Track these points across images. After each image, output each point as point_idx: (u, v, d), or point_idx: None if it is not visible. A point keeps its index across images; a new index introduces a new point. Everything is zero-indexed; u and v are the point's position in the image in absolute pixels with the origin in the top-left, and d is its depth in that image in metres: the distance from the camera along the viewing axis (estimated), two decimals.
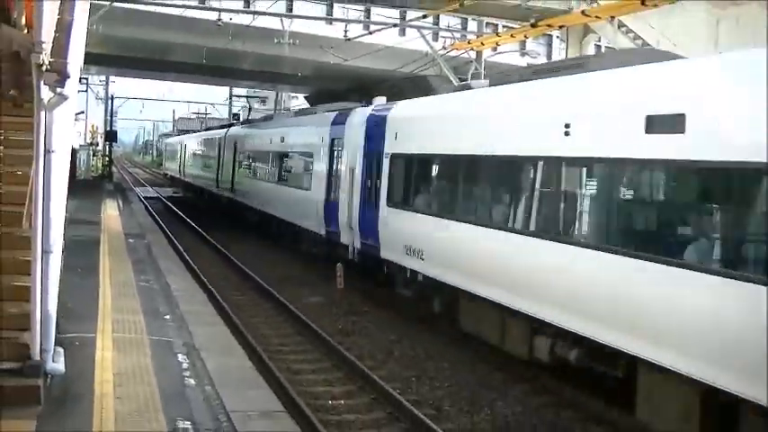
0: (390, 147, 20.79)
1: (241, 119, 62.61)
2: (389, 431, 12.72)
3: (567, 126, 13.33)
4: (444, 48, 36.00)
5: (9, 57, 11.86)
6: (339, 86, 50.15)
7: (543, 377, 14.93)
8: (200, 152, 57.02)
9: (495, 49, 35.04)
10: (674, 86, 11.74)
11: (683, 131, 10.87)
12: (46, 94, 9.20)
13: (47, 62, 9.08)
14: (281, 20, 38.18)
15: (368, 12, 40.99)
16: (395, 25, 37.12)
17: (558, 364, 14.08)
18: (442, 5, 29.31)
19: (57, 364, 9.50)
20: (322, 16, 41.88)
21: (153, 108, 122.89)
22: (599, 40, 40.38)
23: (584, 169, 13.51)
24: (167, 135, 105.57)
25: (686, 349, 10.66)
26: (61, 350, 9.89)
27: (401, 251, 19.28)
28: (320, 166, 26.86)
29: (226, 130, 48.70)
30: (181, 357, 12.04)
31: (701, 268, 10.45)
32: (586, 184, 13.57)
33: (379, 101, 23.76)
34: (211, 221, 40.90)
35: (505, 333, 15.36)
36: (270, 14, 36.78)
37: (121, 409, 9.23)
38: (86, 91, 68.18)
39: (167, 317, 14.84)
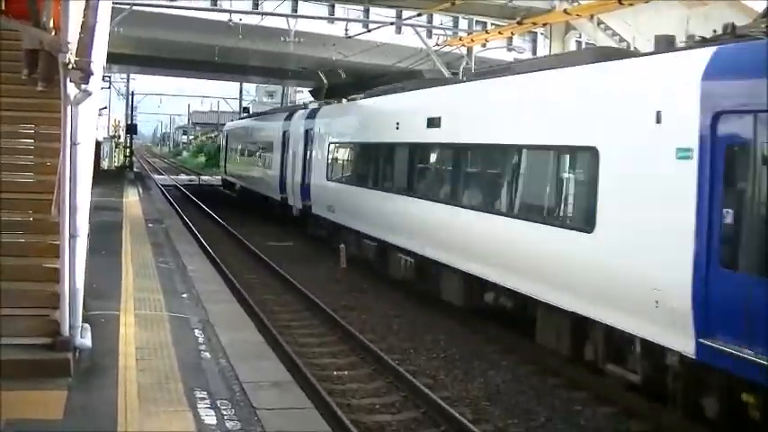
0: None
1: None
2: (390, 399, 12.75)
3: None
4: (437, 44, 35.91)
5: (44, 54, 11.89)
6: (342, 81, 50.14)
7: (530, 348, 14.95)
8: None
9: (484, 45, 34.97)
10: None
11: None
12: (72, 90, 9.19)
13: (72, 61, 9.07)
14: (287, 19, 38.13)
15: (367, 11, 40.82)
16: (392, 23, 37.03)
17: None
18: (435, 4, 29.23)
19: (84, 339, 9.52)
20: (324, 16, 41.76)
21: (170, 102, 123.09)
22: (580, 37, 40.27)
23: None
24: (256, 114, 55.36)
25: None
26: (88, 326, 9.89)
27: None
28: None
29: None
30: (197, 332, 12.05)
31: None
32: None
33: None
34: (222, 205, 40.86)
35: None
36: (276, 15, 36.75)
37: (143, 381, 9.26)
38: (109, 88, 68.01)
39: (184, 295, 14.83)
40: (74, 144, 9.25)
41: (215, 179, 68.52)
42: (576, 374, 13.57)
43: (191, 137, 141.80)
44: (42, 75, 12.26)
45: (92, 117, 11.17)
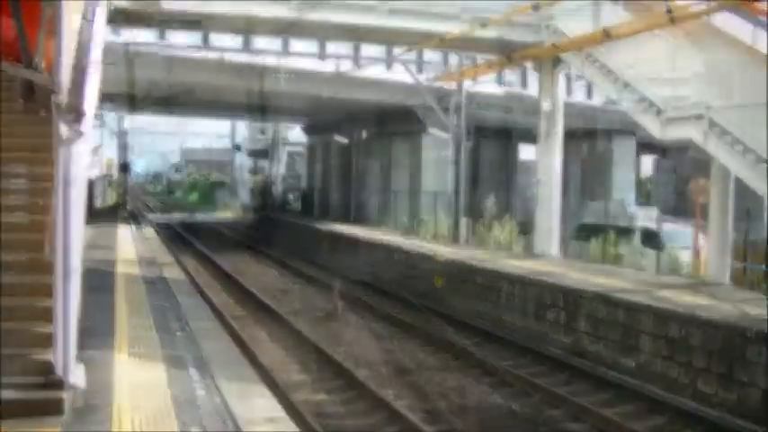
0: None
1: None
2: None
3: None
4: (428, 79, 36.16)
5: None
6: (333, 117, 50.39)
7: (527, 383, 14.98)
8: None
9: (474, 80, 35.19)
10: None
11: None
12: (64, 131, 9.24)
13: (64, 102, 9.13)
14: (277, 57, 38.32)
15: (357, 48, 41.03)
16: (382, 60, 37.27)
17: None
18: (425, 41, 29.41)
19: (78, 378, 9.50)
20: (315, 53, 41.92)
21: (164, 141, 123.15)
22: (569, 70, 40.52)
23: None
24: None
25: None
26: (82, 365, 9.89)
27: None
28: None
29: None
30: (191, 370, 12.05)
31: None
32: None
33: None
34: (214, 242, 40.87)
35: None
36: (266, 52, 36.90)
37: (138, 419, 9.26)
38: (102, 126, 68.08)
39: (178, 333, 14.83)
40: (66, 184, 9.29)
41: (209, 217, 68.52)
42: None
43: (183, 174, 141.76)
44: (41, 103, 12.30)
45: (85, 157, 11.21)
